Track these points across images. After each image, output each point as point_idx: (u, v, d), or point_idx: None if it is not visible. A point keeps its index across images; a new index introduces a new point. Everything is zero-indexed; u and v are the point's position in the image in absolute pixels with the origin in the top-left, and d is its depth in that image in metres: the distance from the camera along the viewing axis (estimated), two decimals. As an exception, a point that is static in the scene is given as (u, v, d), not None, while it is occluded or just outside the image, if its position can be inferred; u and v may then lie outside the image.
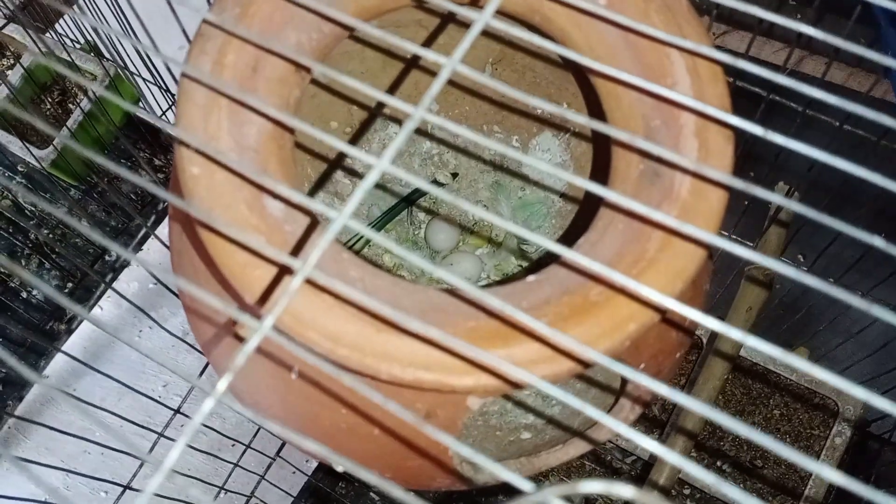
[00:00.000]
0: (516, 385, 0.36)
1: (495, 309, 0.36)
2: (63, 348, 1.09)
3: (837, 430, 0.90)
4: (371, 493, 1.00)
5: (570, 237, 0.61)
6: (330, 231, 0.29)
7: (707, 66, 0.41)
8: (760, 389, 0.92)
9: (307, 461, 1.07)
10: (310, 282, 0.36)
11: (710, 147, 0.39)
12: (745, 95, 0.60)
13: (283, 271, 0.35)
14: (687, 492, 0.92)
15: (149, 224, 1.20)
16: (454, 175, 0.67)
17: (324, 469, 1.05)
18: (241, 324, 0.39)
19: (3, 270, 1.21)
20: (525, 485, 0.24)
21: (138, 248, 1.05)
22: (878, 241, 0.26)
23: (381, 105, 0.64)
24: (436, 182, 0.68)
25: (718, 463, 0.92)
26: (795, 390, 0.91)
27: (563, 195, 0.64)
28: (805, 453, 0.88)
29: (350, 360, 0.35)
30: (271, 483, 0.98)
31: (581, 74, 0.53)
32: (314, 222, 0.38)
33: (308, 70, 0.39)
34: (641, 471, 0.93)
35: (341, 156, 0.66)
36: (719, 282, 0.85)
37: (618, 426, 0.26)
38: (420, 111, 0.31)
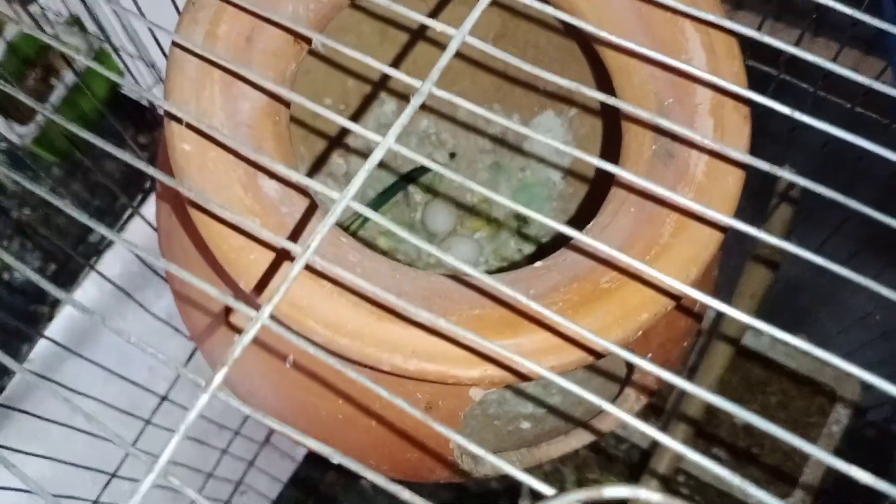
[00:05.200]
0: (523, 377, 0.34)
1: (503, 296, 0.34)
2: (47, 332, 1.06)
3: (835, 417, 0.89)
4: (361, 482, 0.98)
5: (577, 222, 0.59)
6: (332, 214, 0.27)
7: (723, 43, 0.39)
8: (759, 375, 0.91)
9: (292, 461, 1.05)
10: (308, 267, 0.34)
11: (727, 126, 0.38)
12: (755, 75, 0.59)
13: (281, 256, 0.33)
14: (681, 479, 0.91)
15: (134, 204, 1.17)
16: (452, 155, 0.65)
17: (314, 458, 1.03)
18: (237, 313, 0.37)
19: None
20: (546, 489, 0.22)
21: (123, 228, 1.03)
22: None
23: (378, 81, 0.61)
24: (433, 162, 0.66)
25: (714, 450, 0.91)
26: (794, 377, 0.90)
27: (564, 176, 0.62)
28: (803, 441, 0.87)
29: (350, 349, 0.33)
30: (261, 469, 0.96)
31: (589, 51, 0.51)
32: (312, 204, 0.36)
33: (307, 41, 0.37)
34: (639, 458, 0.92)
35: (337, 135, 0.63)
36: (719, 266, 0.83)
37: (624, 416, 0.25)
38: (428, 85, 0.29)
